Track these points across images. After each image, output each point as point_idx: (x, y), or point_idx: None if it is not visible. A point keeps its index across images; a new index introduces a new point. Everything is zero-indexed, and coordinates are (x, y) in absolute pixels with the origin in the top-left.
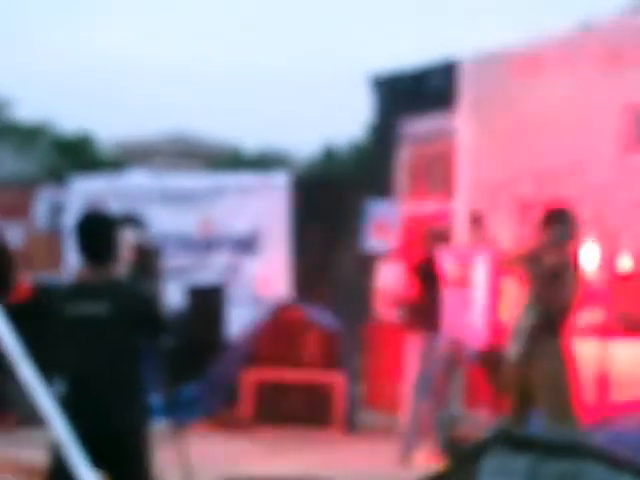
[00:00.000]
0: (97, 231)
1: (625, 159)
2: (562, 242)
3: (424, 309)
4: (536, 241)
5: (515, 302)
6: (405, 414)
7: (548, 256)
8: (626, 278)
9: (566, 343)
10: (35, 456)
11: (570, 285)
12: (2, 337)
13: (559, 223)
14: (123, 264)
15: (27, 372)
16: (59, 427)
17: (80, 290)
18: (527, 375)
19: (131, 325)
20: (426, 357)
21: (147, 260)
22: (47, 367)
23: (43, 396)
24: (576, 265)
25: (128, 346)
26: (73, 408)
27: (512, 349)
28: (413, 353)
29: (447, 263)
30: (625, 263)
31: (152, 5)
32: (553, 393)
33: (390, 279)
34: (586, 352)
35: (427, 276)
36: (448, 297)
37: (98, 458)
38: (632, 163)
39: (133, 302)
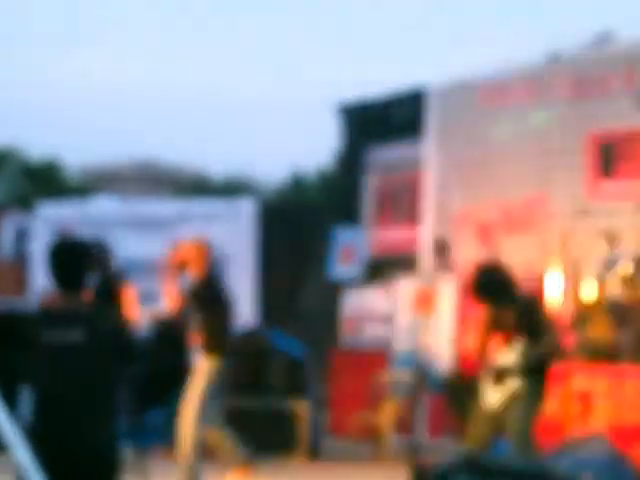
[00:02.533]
0: (69, 258)
1: (591, 187)
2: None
3: (211, 332)
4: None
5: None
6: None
7: (507, 313)
8: (590, 306)
9: (548, 383)
10: None
11: (552, 329)
12: None
13: (495, 298)
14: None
15: None
16: (22, 452)
17: (53, 317)
18: (502, 410)
19: (106, 352)
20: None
21: (113, 286)
22: (12, 391)
23: (6, 420)
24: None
25: (102, 373)
26: (45, 433)
27: (491, 391)
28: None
29: (409, 290)
30: (589, 291)
31: (119, 30)
32: (526, 426)
33: None
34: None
35: (209, 299)
36: (413, 324)
37: None
38: (598, 191)
39: (107, 329)
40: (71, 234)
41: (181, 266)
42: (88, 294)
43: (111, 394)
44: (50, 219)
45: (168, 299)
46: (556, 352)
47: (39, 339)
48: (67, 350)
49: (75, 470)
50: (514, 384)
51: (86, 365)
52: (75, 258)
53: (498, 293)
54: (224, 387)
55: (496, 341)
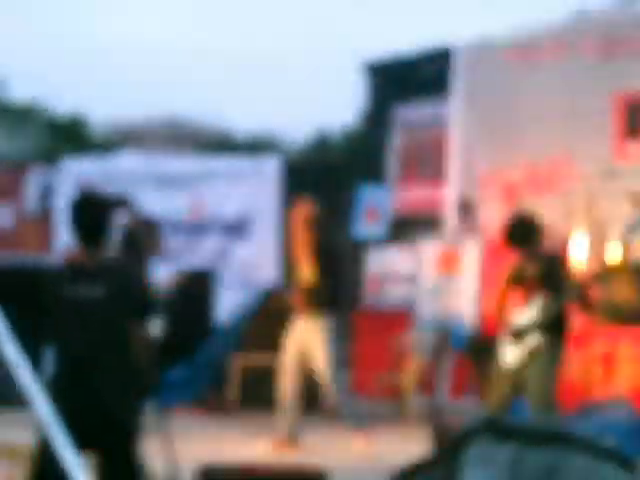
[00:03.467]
0: (91, 212)
1: (617, 148)
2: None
3: (321, 290)
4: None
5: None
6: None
7: (529, 268)
8: (614, 268)
9: (568, 340)
10: (18, 438)
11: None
12: None
13: (527, 243)
14: (114, 246)
15: (11, 351)
16: (44, 408)
17: (74, 272)
18: (520, 369)
19: (126, 308)
20: (327, 337)
21: (137, 242)
22: (37, 348)
23: (28, 376)
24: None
25: (122, 328)
26: (66, 389)
27: (509, 350)
28: (315, 335)
29: (433, 250)
30: (613, 253)
31: None
32: (546, 385)
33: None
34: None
35: (321, 258)
36: (437, 284)
37: (89, 439)
38: (624, 152)
39: (128, 285)
40: (92, 189)
41: (309, 226)
42: (112, 248)
43: (130, 348)
44: (74, 174)
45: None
46: (575, 308)
47: (61, 294)
48: (89, 305)
49: (94, 426)
50: (533, 341)
51: (106, 320)
52: (96, 212)
53: (530, 238)
54: None
55: (517, 298)
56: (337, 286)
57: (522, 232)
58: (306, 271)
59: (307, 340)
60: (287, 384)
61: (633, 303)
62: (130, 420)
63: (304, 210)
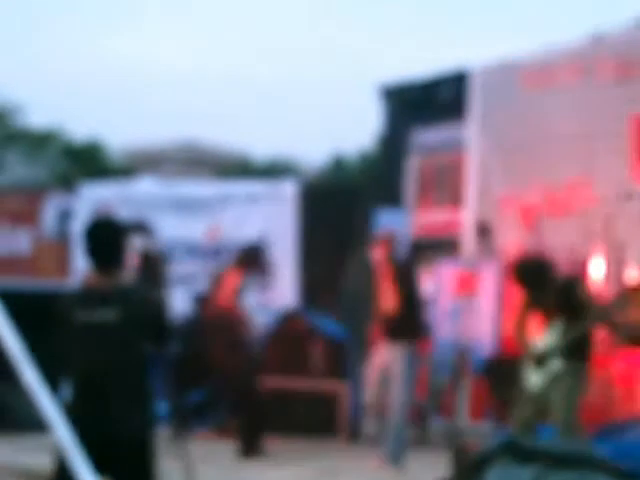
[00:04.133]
0: (105, 237)
1: (635, 170)
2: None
3: (403, 319)
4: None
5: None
6: (393, 422)
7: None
8: (632, 290)
9: (590, 365)
10: (36, 461)
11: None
12: (5, 340)
13: (535, 287)
14: (130, 271)
15: (31, 376)
16: (62, 432)
17: (89, 296)
18: (544, 394)
19: (140, 331)
20: (409, 367)
21: (154, 267)
22: (54, 372)
23: (46, 400)
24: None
25: (136, 352)
26: (81, 414)
27: (532, 374)
28: (395, 363)
29: (451, 273)
30: (632, 275)
31: (166, 12)
32: (568, 409)
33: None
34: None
35: (405, 286)
36: (455, 307)
37: (104, 464)
38: None
39: (142, 308)
40: (107, 213)
41: (391, 260)
42: (127, 273)
43: (144, 373)
44: (93, 200)
45: (390, 298)
46: (596, 332)
47: (75, 319)
48: (101, 329)
49: (109, 451)
50: (555, 366)
51: (119, 343)
52: (110, 237)
53: (538, 285)
54: None
55: (536, 323)
56: (418, 317)
57: (531, 277)
58: (388, 302)
59: (388, 369)
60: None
61: None
62: (146, 444)
63: (386, 244)
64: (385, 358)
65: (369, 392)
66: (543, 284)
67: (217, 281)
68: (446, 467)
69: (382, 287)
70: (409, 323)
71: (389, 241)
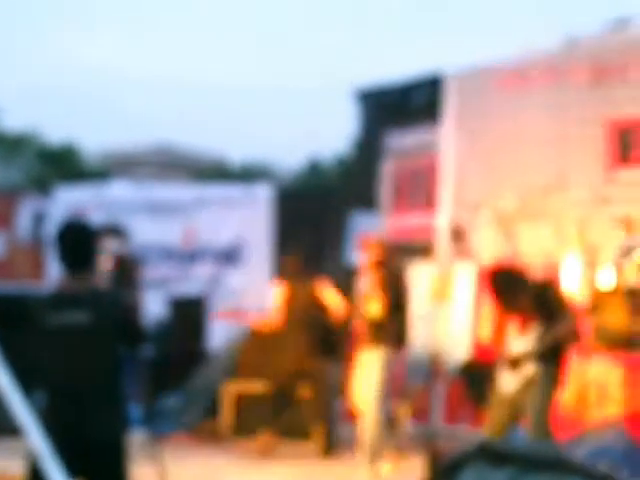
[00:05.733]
0: (77, 240)
1: (609, 174)
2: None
3: (388, 325)
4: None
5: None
6: (367, 428)
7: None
8: (606, 294)
9: (563, 369)
10: (8, 465)
11: (567, 314)
12: None
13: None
14: (104, 274)
15: (3, 379)
16: (35, 436)
17: (60, 299)
18: (518, 397)
19: (112, 334)
20: (386, 371)
21: (128, 270)
22: (27, 376)
23: (20, 405)
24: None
25: (109, 355)
26: (54, 418)
27: (506, 377)
28: (374, 368)
29: (425, 276)
30: (606, 279)
31: (140, 18)
32: (542, 412)
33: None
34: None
35: (394, 291)
36: (430, 310)
37: (77, 467)
38: (616, 178)
39: (114, 311)
40: (79, 216)
41: (382, 265)
42: (101, 276)
43: (117, 376)
44: (68, 203)
45: (378, 302)
46: (572, 336)
47: (46, 322)
48: (74, 333)
49: (82, 454)
50: (530, 370)
51: (91, 346)
52: (82, 240)
53: (511, 294)
54: None
55: (512, 327)
56: (403, 323)
57: (504, 286)
58: (375, 307)
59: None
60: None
61: (625, 328)
62: (120, 447)
63: (377, 250)
64: (364, 363)
65: (355, 397)
66: (517, 292)
67: None
68: (420, 471)
69: (370, 291)
70: (394, 329)
71: (380, 245)
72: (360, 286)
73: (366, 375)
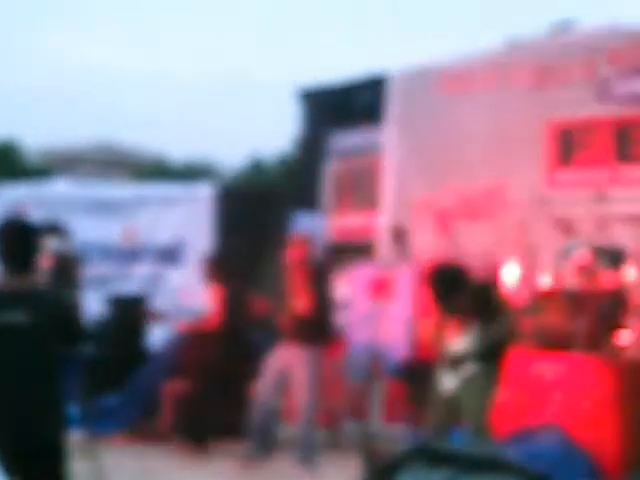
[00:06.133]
0: (16, 238)
1: (549, 176)
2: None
3: (314, 322)
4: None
5: (439, 320)
6: (301, 426)
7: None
8: (546, 295)
9: (502, 369)
10: None
11: (506, 314)
12: None
13: (450, 295)
14: (43, 272)
15: None
16: None
17: (0, 299)
18: (457, 397)
19: (52, 333)
20: (316, 369)
21: (67, 268)
22: None
23: None
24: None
25: (48, 355)
26: None
27: (446, 377)
28: (301, 365)
29: (366, 276)
30: (545, 280)
31: (77, 12)
32: (481, 412)
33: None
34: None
35: (319, 288)
36: (370, 310)
37: (14, 467)
38: (556, 180)
39: (55, 310)
40: (20, 215)
41: (307, 262)
42: (41, 275)
43: (57, 377)
44: (7, 200)
45: (304, 299)
46: (510, 337)
47: None
48: (12, 331)
49: (20, 454)
50: (469, 370)
51: (31, 347)
52: (22, 238)
53: (453, 292)
54: None
55: (451, 327)
56: (329, 320)
57: (445, 285)
58: (301, 304)
59: (290, 368)
60: (259, 407)
61: (563, 329)
62: (58, 447)
63: (301, 246)
64: (287, 360)
65: (262, 392)
66: (458, 291)
67: None
68: (358, 470)
69: (295, 288)
70: (320, 326)
71: (304, 243)
72: (286, 283)
73: (295, 374)
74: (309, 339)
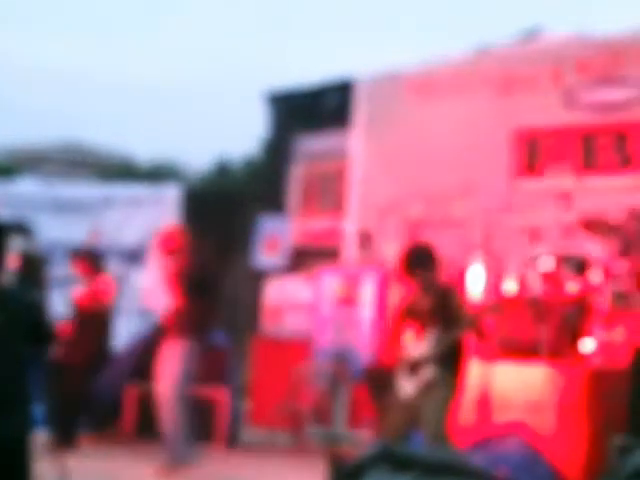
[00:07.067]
0: None
1: (515, 183)
2: (431, 285)
3: (186, 316)
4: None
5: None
6: (166, 422)
7: (424, 301)
8: (510, 302)
9: (462, 374)
10: None
11: (466, 320)
12: None
13: (424, 268)
14: (9, 272)
15: None
16: None
17: None
18: (415, 401)
19: (19, 334)
20: (185, 364)
21: (33, 268)
22: None
23: None
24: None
25: (15, 355)
26: None
27: (405, 381)
28: (173, 359)
29: (332, 280)
30: (510, 287)
31: (43, 11)
32: (440, 417)
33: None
34: (469, 374)
35: (192, 284)
36: (335, 315)
37: None
38: (522, 187)
39: (21, 311)
40: None
41: (172, 253)
42: (6, 275)
43: (24, 378)
44: None
45: (171, 297)
46: (469, 342)
47: None
48: None
49: None
50: (428, 374)
51: (1, 346)
52: None
53: (426, 265)
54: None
55: (411, 331)
56: (208, 312)
57: (419, 258)
58: (172, 299)
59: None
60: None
61: (528, 336)
62: (24, 447)
63: (173, 239)
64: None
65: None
66: (429, 267)
67: None
68: (322, 474)
69: (166, 281)
70: (194, 319)
71: (175, 235)
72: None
73: (165, 367)
74: (181, 332)
